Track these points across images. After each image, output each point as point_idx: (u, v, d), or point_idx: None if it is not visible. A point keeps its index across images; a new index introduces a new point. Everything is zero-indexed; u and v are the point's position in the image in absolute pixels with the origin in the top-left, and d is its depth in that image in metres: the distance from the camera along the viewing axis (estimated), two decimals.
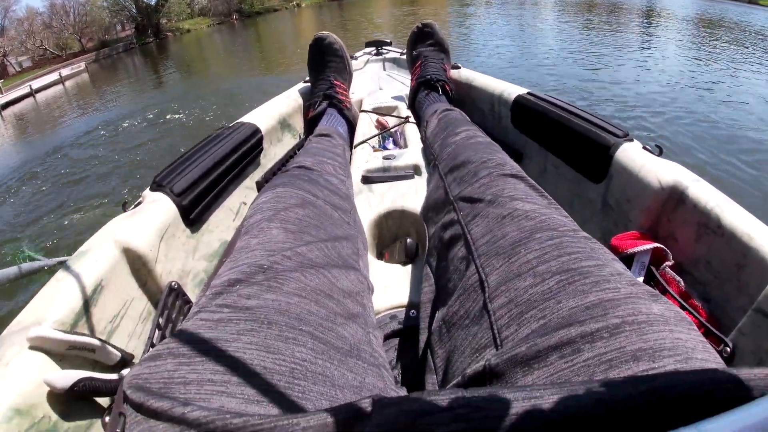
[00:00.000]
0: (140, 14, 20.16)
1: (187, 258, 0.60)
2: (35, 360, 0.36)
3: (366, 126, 1.00)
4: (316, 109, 0.94)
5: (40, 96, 10.12)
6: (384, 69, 1.41)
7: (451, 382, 0.31)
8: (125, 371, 0.41)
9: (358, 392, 0.28)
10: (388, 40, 1.49)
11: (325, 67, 0.99)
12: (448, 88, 0.97)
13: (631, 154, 0.57)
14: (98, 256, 0.47)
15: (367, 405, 0.20)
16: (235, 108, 4.31)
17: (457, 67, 1.08)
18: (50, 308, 0.40)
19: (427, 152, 0.77)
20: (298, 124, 1.03)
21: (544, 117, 0.74)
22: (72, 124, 5.95)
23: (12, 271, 2.20)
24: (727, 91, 3.69)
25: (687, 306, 0.45)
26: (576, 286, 0.28)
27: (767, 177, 2.23)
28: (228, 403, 0.23)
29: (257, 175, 0.84)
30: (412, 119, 1.00)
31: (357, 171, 0.79)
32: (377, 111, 1.07)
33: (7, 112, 8.91)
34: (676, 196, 0.51)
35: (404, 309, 0.53)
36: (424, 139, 0.84)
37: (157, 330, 0.47)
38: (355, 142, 0.93)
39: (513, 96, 0.86)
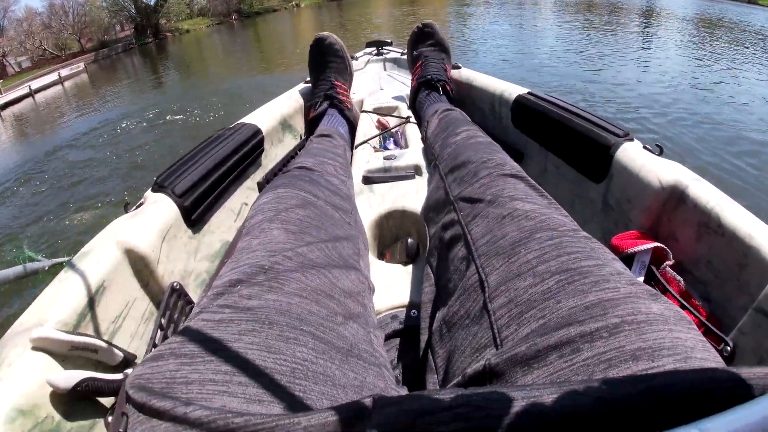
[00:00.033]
0: (139, 14, 20.15)
1: (188, 259, 0.60)
2: (38, 360, 0.36)
3: (367, 126, 1.00)
4: (317, 110, 0.94)
5: (39, 96, 10.11)
6: (384, 69, 1.41)
7: (452, 381, 0.31)
8: (127, 371, 0.41)
9: (359, 392, 0.28)
10: (389, 41, 1.49)
11: (326, 67, 0.99)
12: (448, 88, 0.97)
13: (632, 154, 0.57)
14: (100, 257, 0.47)
15: (368, 404, 0.20)
16: (234, 108, 4.31)
17: (458, 67, 1.08)
18: (53, 309, 0.40)
19: (428, 152, 0.77)
20: (299, 124, 1.04)
21: (545, 117, 0.74)
22: (71, 124, 5.94)
23: (15, 270, 2.20)
24: (727, 92, 3.68)
25: (687, 305, 0.45)
26: (575, 286, 0.28)
27: None
28: (230, 402, 0.23)
29: (258, 175, 0.84)
30: (412, 119, 1.00)
31: (358, 171, 0.79)
32: (378, 111, 1.07)
33: (6, 113, 8.90)
34: (676, 196, 0.51)
35: (405, 309, 0.53)
36: (424, 139, 0.84)
37: (159, 330, 0.47)
38: (356, 142, 0.93)
39: (513, 96, 0.86)
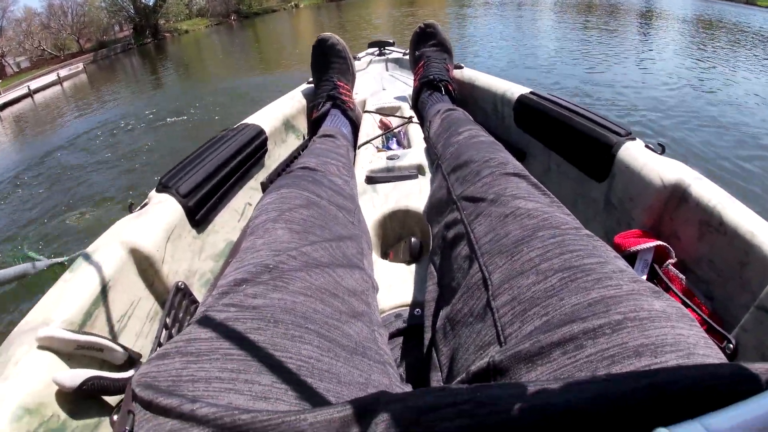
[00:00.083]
0: (138, 15, 20.15)
1: (193, 258, 0.60)
2: (44, 359, 0.37)
3: (369, 126, 1.00)
4: (320, 110, 0.94)
5: (38, 97, 10.12)
6: (387, 69, 1.41)
7: (456, 379, 0.31)
8: (133, 370, 0.41)
9: (364, 389, 0.29)
10: (391, 41, 1.49)
11: (329, 68, 1.00)
12: (450, 88, 0.97)
13: (634, 153, 0.58)
14: (105, 256, 0.47)
15: (372, 401, 0.20)
16: (234, 108, 4.31)
17: (460, 67, 1.08)
18: (58, 308, 0.41)
19: (431, 152, 0.77)
20: (302, 125, 1.04)
21: (547, 116, 0.74)
22: (70, 124, 5.94)
23: (14, 270, 2.20)
24: (728, 92, 3.68)
25: (690, 303, 0.45)
26: (578, 283, 0.29)
27: None
28: (236, 400, 0.24)
29: (262, 176, 0.84)
30: (415, 119, 1.00)
31: (361, 171, 0.79)
32: (380, 111, 1.07)
33: (5, 113, 8.90)
34: (678, 194, 0.51)
35: (409, 307, 0.53)
36: (427, 139, 0.84)
37: (164, 329, 0.47)
38: (359, 142, 0.93)
39: (516, 95, 0.86)
